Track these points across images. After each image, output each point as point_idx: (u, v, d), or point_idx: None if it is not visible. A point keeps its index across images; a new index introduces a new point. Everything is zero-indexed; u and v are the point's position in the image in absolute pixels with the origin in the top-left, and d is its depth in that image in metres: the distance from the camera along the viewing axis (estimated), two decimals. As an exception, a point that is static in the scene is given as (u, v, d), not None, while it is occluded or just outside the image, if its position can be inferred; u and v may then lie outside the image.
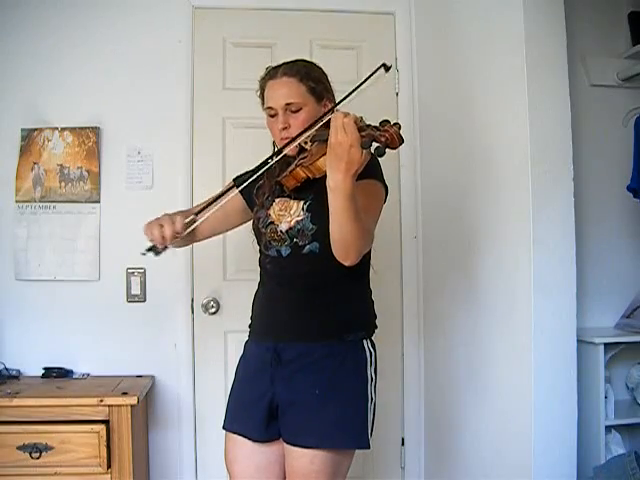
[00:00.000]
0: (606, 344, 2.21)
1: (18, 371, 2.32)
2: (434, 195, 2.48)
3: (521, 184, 1.84)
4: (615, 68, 2.47)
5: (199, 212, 1.57)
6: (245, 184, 1.53)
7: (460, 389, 2.24)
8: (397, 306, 2.58)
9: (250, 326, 1.72)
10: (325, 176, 1.44)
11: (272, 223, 1.61)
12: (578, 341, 1.86)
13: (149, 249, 1.50)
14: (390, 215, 2.54)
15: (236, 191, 1.58)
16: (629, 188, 2.37)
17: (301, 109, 1.56)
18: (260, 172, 1.52)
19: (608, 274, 2.45)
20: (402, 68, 2.60)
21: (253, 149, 2.33)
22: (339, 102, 1.49)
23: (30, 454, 1.95)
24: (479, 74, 2.12)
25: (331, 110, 1.49)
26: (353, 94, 1.46)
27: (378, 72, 1.45)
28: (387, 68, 1.45)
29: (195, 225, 1.55)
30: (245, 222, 1.78)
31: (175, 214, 1.56)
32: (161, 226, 1.49)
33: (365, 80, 1.45)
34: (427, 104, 2.53)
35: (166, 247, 1.51)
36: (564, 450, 1.81)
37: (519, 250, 1.86)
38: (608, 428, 2.22)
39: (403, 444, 2.58)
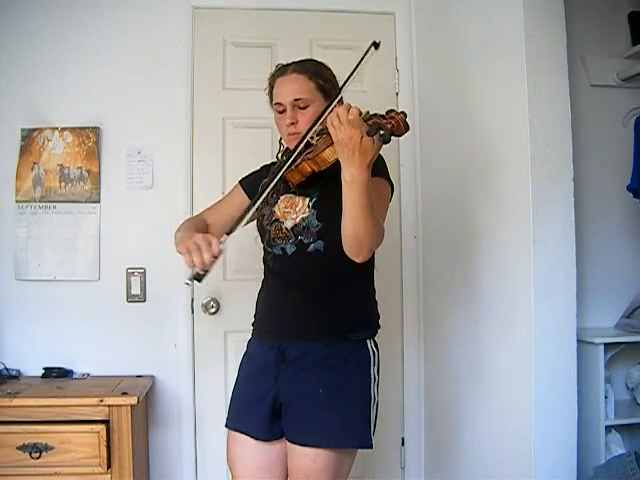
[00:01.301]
0: (606, 344, 2.21)
1: (18, 371, 2.32)
2: (434, 195, 2.48)
3: (521, 184, 1.84)
4: (615, 68, 2.47)
5: (230, 232, 1.47)
6: (264, 195, 1.48)
7: (460, 389, 2.24)
8: (397, 306, 2.57)
9: (253, 324, 1.72)
10: (330, 169, 1.45)
11: (277, 220, 1.61)
12: (578, 341, 1.86)
13: (193, 277, 1.43)
14: (390, 215, 2.50)
15: (254, 207, 1.49)
16: (629, 188, 2.37)
17: (309, 105, 1.57)
18: (276, 180, 1.48)
19: (608, 274, 2.45)
20: (402, 68, 2.60)
21: (253, 149, 2.34)
22: (341, 87, 1.51)
23: (30, 454, 1.95)
24: (479, 74, 2.12)
25: (333, 101, 1.50)
26: (351, 78, 1.49)
27: (370, 51, 1.48)
28: (377, 45, 1.48)
29: (225, 245, 1.45)
30: (252, 221, 1.78)
31: (205, 234, 1.47)
32: (198, 249, 1.41)
33: (360, 62, 1.48)
34: (427, 104, 2.53)
35: (207, 271, 1.42)
36: (564, 450, 1.81)
37: (519, 250, 1.86)
38: (608, 428, 2.22)
39: (403, 444, 2.58)
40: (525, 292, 1.82)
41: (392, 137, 1.33)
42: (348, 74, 1.49)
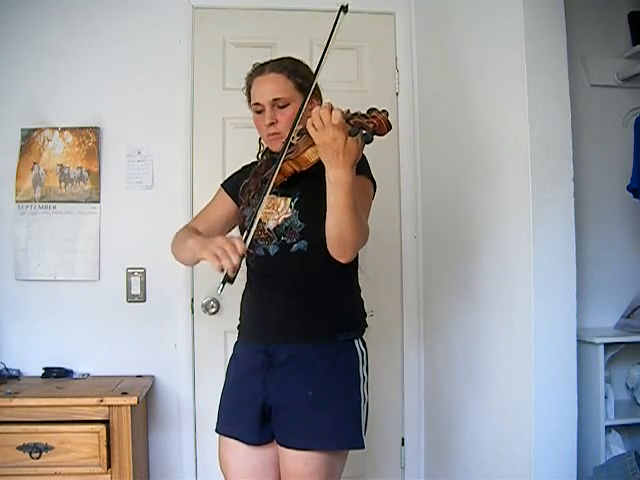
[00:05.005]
0: (606, 344, 2.21)
1: (18, 371, 2.32)
2: (434, 195, 2.48)
3: (521, 184, 1.84)
4: (615, 68, 2.47)
5: (250, 227, 1.42)
6: (264, 200, 1.43)
7: (460, 389, 2.24)
8: (397, 306, 2.57)
9: (239, 327, 1.71)
10: (311, 169, 1.44)
11: (259, 221, 1.60)
12: (578, 341, 1.85)
13: (224, 281, 1.36)
14: (390, 215, 2.54)
15: (257, 214, 1.44)
16: (629, 188, 2.37)
17: (288, 105, 1.56)
18: (266, 193, 1.43)
19: (608, 274, 2.45)
20: (402, 68, 2.60)
21: (253, 149, 2.33)
22: (316, 72, 1.48)
23: (30, 454, 1.95)
24: (479, 74, 2.12)
25: (310, 99, 1.48)
26: (326, 52, 1.47)
27: (340, 17, 1.45)
28: (344, 8, 1.44)
29: (249, 241, 1.42)
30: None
31: (222, 238, 1.41)
32: (225, 253, 1.35)
33: (332, 30, 1.46)
34: (427, 104, 2.53)
35: (238, 270, 1.36)
36: (564, 450, 1.81)
37: (519, 250, 1.86)
38: (608, 428, 2.22)
39: (403, 444, 2.58)
40: (525, 292, 1.82)
41: (375, 137, 1.31)
42: (322, 52, 1.47)
